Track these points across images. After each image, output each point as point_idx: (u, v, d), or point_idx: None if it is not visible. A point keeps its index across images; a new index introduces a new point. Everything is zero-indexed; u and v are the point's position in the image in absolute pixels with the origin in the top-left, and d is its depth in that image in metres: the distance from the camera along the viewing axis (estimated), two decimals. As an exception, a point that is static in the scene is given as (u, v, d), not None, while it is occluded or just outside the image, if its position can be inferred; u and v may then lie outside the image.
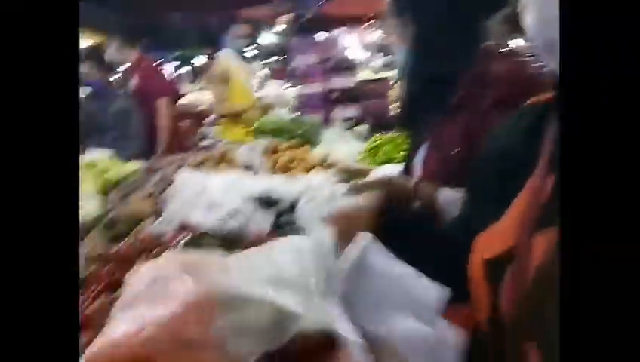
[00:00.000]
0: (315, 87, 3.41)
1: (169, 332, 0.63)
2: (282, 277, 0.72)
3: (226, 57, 3.49)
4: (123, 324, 0.66)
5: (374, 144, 1.96)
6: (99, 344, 0.64)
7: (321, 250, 0.82)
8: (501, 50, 0.99)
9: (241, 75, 3.50)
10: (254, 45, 8.19)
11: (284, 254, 0.76)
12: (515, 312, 0.47)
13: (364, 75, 4.14)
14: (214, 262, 0.76)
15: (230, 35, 4.04)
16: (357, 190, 1.05)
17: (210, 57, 3.53)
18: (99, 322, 0.82)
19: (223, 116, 3.62)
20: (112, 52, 2.94)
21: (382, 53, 7.07)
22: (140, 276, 0.80)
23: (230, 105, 3.43)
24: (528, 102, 0.61)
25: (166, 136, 2.98)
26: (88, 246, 1.31)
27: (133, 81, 3.02)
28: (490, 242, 0.55)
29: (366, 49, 8.22)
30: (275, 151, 1.94)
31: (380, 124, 2.89)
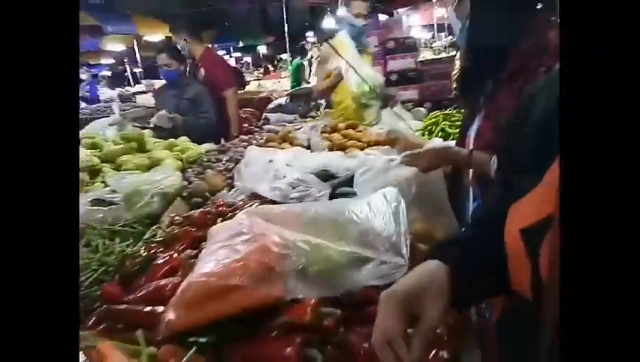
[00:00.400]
0: (376, 69, 3.40)
1: (242, 270, 0.75)
2: (349, 228, 0.81)
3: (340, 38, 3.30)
4: (209, 264, 0.81)
5: (431, 121, 1.97)
6: (191, 278, 0.79)
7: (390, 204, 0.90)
8: (555, 19, 0.99)
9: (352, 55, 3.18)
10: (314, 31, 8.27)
11: (352, 206, 0.85)
12: (555, 278, 0.44)
13: (425, 55, 4.06)
14: (285, 213, 0.87)
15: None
16: (411, 159, 1.11)
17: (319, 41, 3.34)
18: (184, 269, 0.98)
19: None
20: (180, 44, 3.17)
21: (444, 34, 6.81)
22: (220, 230, 0.95)
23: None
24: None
25: (235, 121, 3.20)
26: (172, 212, 1.51)
27: (201, 73, 3.26)
28: (526, 211, 0.54)
29: (428, 29, 7.94)
30: (333, 130, 2.03)
31: (440, 104, 2.85)
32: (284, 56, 8.83)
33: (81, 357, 0.64)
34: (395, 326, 0.55)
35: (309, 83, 5.63)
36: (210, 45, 3.39)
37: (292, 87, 5.46)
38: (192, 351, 0.64)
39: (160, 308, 0.79)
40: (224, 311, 0.74)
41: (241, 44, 11.54)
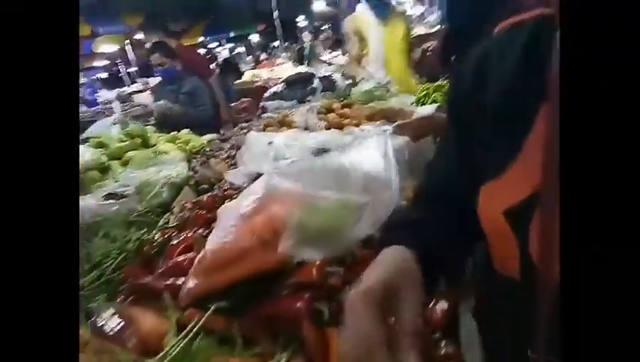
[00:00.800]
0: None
1: (250, 235, 0.83)
2: (345, 178, 0.86)
3: (361, 14, 3.27)
4: (221, 234, 0.89)
5: (423, 93, 2.02)
6: (206, 247, 0.87)
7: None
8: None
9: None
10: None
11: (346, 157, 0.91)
12: (548, 258, 0.43)
13: (418, 30, 4.06)
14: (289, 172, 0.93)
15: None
16: (402, 129, 1.17)
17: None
18: (198, 245, 1.07)
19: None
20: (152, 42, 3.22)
21: (436, 7, 6.75)
22: (228, 208, 1.03)
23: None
24: (510, 21, 0.55)
25: (223, 106, 3.28)
26: (182, 200, 1.59)
27: (178, 67, 3.29)
28: (506, 191, 0.50)
29: (420, 3, 7.86)
30: (329, 110, 2.09)
31: (436, 78, 2.89)
32: (276, 43, 8.80)
33: (115, 323, 0.72)
34: (378, 331, 0.46)
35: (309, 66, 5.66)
36: (182, 41, 3.45)
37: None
38: (210, 311, 0.72)
39: (180, 280, 0.87)
40: (238, 275, 0.82)
41: (232, 35, 11.48)
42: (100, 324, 0.67)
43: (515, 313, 0.52)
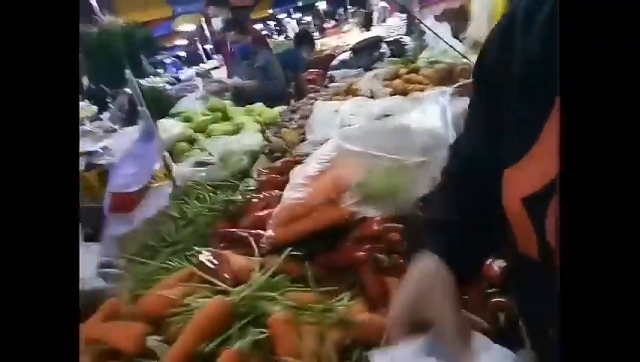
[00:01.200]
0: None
1: (319, 193, 0.95)
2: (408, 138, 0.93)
3: None
4: (293, 192, 1.02)
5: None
6: (282, 203, 1.01)
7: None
8: None
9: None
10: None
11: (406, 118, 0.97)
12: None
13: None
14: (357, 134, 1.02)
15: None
16: (462, 90, 1.17)
17: None
18: (275, 203, 1.22)
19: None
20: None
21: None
22: (299, 170, 1.16)
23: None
24: None
25: (281, 77, 3.38)
26: (258, 166, 1.77)
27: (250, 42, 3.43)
28: (526, 178, 0.50)
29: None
30: (395, 76, 2.11)
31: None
32: (342, 10, 8.62)
33: (212, 262, 0.89)
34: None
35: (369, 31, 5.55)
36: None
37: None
38: (284, 254, 0.86)
39: (260, 231, 1.03)
40: (307, 227, 0.95)
41: (300, 4, 11.46)
42: (201, 261, 0.85)
43: (537, 291, 0.53)
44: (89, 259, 1.13)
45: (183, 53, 13.05)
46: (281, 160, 1.66)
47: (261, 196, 1.32)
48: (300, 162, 1.53)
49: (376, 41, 4.24)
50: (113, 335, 0.76)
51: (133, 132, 1.94)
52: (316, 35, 6.95)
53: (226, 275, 0.80)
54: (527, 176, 0.49)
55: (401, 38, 4.20)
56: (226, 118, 2.48)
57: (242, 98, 2.94)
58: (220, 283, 0.79)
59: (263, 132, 2.26)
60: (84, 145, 2.29)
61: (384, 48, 4.06)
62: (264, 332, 0.67)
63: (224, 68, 4.54)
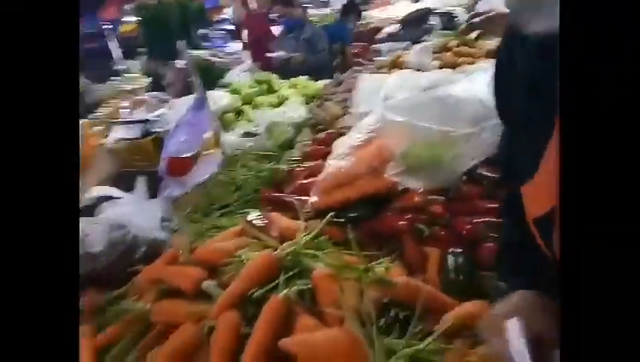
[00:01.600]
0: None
1: (363, 162, 0.98)
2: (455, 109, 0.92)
3: None
4: (336, 162, 1.06)
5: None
6: (325, 171, 1.06)
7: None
8: None
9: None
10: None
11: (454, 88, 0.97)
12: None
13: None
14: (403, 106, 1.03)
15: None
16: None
17: None
18: (318, 171, 1.26)
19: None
20: None
21: None
22: (343, 140, 1.19)
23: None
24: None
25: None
26: (303, 137, 1.82)
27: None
28: (535, 198, 0.50)
29: None
30: (445, 49, 2.05)
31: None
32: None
33: (261, 221, 0.95)
34: None
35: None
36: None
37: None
38: (327, 218, 0.91)
39: (305, 197, 1.09)
40: (350, 195, 0.99)
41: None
42: (251, 220, 0.92)
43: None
44: (153, 212, 1.24)
45: (230, 27, 13.15)
46: (325, 132, 1.70)
47: (305, 165, 1.37)
48: (343, 134, 1.56)
49: (426, 13, 4.08)
50: (174, 276, 0.85)
51: (186, 102, 2.04)
52: (363, 6, 6.77)
53: (273, 233, 0.87)
54: (537, 195, 0.49)
55: (453, 9, 4.01)
56: (271, 90, 2.54)
57: (288, 71, 2.98)
58: (267, 238, 0.85)
59: (307, 104, 2.29)
60: (140, 115, 2.44)
61: (434, 20, 3.91)
62: (308, 284, 0.74)
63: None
